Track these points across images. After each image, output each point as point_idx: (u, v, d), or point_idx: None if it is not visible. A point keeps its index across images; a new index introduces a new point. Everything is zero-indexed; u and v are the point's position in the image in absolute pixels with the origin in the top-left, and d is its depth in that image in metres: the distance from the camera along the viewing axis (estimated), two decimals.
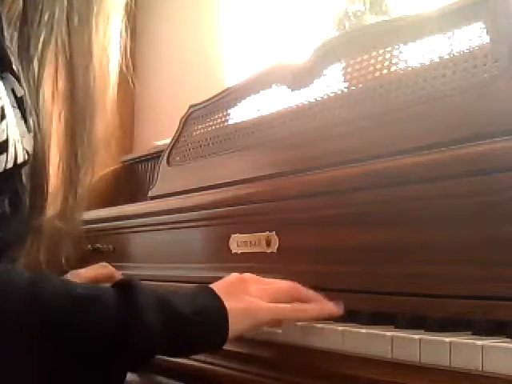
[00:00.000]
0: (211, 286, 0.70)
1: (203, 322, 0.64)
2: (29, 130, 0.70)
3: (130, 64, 0.85)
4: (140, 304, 0.60)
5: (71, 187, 0.75)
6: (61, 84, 0.75)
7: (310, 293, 0.76)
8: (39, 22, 0.70)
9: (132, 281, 0.62)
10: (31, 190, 0.72)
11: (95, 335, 0.57)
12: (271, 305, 0.71)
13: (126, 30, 0.82)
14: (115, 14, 0.79)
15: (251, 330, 0.71)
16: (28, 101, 0.70)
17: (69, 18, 0.73)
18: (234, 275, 0.73)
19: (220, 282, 0.71)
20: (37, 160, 0.72)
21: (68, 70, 0.74)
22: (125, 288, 0.61)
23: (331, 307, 0.74)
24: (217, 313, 0.66)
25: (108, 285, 0.64)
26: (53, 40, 0.72)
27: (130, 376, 1.00)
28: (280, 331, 0.76)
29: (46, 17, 0.71)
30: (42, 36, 0.71)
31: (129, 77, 0.85)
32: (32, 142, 0.71)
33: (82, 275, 1.11)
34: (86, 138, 0.76)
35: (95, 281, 1.12)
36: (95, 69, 0.76)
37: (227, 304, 0.66)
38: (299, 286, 0.76)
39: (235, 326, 0.66)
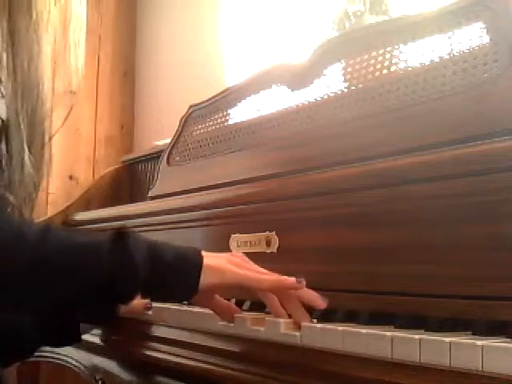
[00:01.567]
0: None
1: (179, 269, 0.75)
2: (1, 95, 0.71)
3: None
4: (129, 249, 0.71)
5: (18, 165, 0.77)
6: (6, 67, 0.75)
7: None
8: None
9: (127, 230, 0.74)
10: (9, 156, 0.73)
11: (91, 273, 0.70)
12: (241, 272, 0.78)
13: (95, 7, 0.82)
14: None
15: (218, 287, 0.79)
16: None
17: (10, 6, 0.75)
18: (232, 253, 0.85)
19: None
20: (12, 126, 0.73)
21: (8, 31, 0.75)
22: (120, 235, 0.72)
23: (290, 280, 0.77)
24: (193, 265, 0.76)
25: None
26: None
27: (130, 376, 1.01)
28: (280, 331, 0.76)
29: None
30: None
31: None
32: (5, 107, 0.71)
33: None
34: (38, 113, 0.79)
35: None
36: (41, 56, 0.78)
37: (205, 261, 0.76)
38: (284, 279, 0.79)
39: (204, 280, 0.76)
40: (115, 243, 0.72)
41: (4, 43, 0.74)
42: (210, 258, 0.77)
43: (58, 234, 0.70)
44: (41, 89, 0.79)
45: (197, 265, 0.76)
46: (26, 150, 0.77)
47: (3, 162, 0.74)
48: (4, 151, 0.73)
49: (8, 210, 0.75)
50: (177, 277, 0.75)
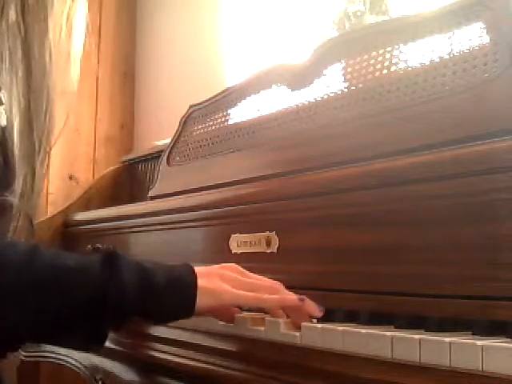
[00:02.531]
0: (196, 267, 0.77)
1: (174, 294, 0.73)
2: (0, 103, 0.70)
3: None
4: (121, 272, 0.68)
5: (28, 166, 0.75)
6: (17, 61, 0.74)
7: (290, 296, 0.79)
8: None
9: (116, 252, 0.70)
10: (4, 166, 0.72)
11: (81, 296, 0.66)
12: (235, 291, 0.77)
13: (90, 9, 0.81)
14: None
15: (215, 308, 0.78)
16: None
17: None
18: (229, 264, 0.80)
19: (204, 268, 0.78)
20: (7, 134, 0.72)
21: (23, 47, 0.74)
22: (110, 257, 0.69)
23: (292, 298, 0.78)
24: (188, 288, 0.73)
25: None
26: (4, 20, 0.71)
27: (130, 376, 1.01)
28: (280, 331, 0.76)
29: None
30: None
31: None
32: (4, 115, 0.71)
33: None
34: (43, 116, 0.76)
35: None
36: (51, 45, 0.75)
37: (199, 282, 0.74)
38: (280, 286, 0.80)
39: (201, 303, 0.74)
40: (105, 266, 0.68)
41: (19, 50, 0.73)
42: (204, 279, 0.75)
43: (46, 255, 0.66)
44: (50, 92, 0.77)
45: (191, 287, 0.74)
46: (37, 157, 0.76)
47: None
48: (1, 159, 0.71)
49: (11, 214, 0.73)
50: (171, 300, 0.73)
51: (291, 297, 0.78)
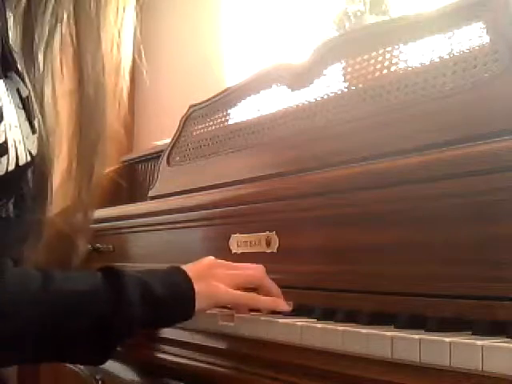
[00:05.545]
0: (185, 267, 0.80)
1: (174, 302, 0.77)
2: (33, 131, 0.69)
3: (143, 54, 0.83)
4: (126, 291, 0.71)
5: (83, 184, 0.76)
6: (68, 79, 0.73)
7: (272, 285, 0.85)
8: (44, 11, 0.70)
9: (117, 270, 0.73)
10: (36, 193, 0.71)
11: (90, 318, 0.69)
12: (231, 291, 0.81)
13: (138, 18, 0.79)
14: (126, 4, 0.77)
15: (213, 307, 0.83)
16: (33, 101, 0.69)
17: (76, 8, 0.72)
18: (208, 259, 0.84)
19: (194, 264, 0.82)
20: (42, 161, 0.71)
21: (76, 60, 0.73)
22: (113, 277, 0.72)
23: (282, 303, 0.84)
24: (187, 295, 0.77)
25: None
26: (58, 31, 0.71)
27: (130, 376, 1.01)
28: (280, 331, 0.76)
29: (50, 7, 0.70)
30: (47, 27, 0.70)
31: (142, 68, 0.83)
32: (36, 143, 0.70)
33: None
34: (98, 131, 0.76)
35: None
36: (104, 59, 0.75)
37: (196, 286, 0.78)
38: (264, 275, 0.86)
39: (200, 306, 0.78)
40: (109, 286, 0.71)
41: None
42: (199, 283, 0.78)
43: (57, 282, 0.69)
44: (103, 110, 0.76)
45: (189, 294, 0.77)
46: (90, 179, 0.76)
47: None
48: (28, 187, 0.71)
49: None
50: (172, 308, 0.77)
51: (282, 302, 0.84)
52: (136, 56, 0.82)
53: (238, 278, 0.83)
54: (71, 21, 0.72)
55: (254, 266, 0.87)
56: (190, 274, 0.79)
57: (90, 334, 0.69)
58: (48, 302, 0.67)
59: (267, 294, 0.85)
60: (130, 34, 0.79)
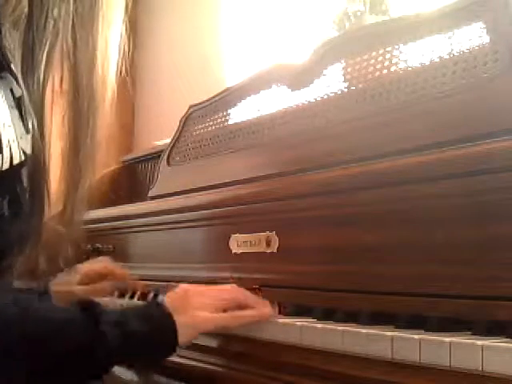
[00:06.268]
0: (164, 299, 0.79)
1: (156, 338, 0.75)
2: (27, 131, 0.70)
3: (128, 66, 0.84)
4: (103, 328, 0.70)
5: (72, 188, 0.76)
6: (64, 86, 0.74)
7: (249, 297, 0.84)
8: (44, 25, 0.70)
9: (97, 307, 0.72)
10: (31, 192, 0.72)
11: (67, 354, 0.68)
12: (213, 316, 0.80)
13: (126, 32, 0.81)
14: (116, 17, 0.79)
15: (197, 336, 0.80)
16: (26, 101, 0.70)
17: (74, 23, 0.73)
18: (182, 287, 0.82)
19: (170, 295, 0.81)
20: (37, 161, 0.72)
21: (73, 73, 0.75)
22: (91, 314, 0.71)
23: (265, 311, 0.82)
24: (168, 330, 0.75)
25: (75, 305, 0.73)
26: (58, 44, 0.72)
27: (130, 376, 1.00)
28: (280, 331, 0.76)
29: (51, 21, 0.71)
30: (48, 40, 0.71)
31: (127, 78, 0.85)
32: (30, 142, 0.70)
33: (83, 270, 1.13)
34: (88, 138, 0.77)
35: (99, 274, 1.14)
36: (98, 72, 0.76)
37: (177, 319, 0.76)
38: (241, 291, 0.84)
39: (183, 338, 0.76)
40: (86, 321, 0.70)
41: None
42: (181, 315, 0.76)
43: (36, 313, 0.69)
44: (95, 115, 0.78)
45: (171, 329, 0.75)
46: (82, 181, 0.77)
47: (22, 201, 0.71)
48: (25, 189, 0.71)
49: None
50: (154, 345, 0.76)
51: (264, 310, 0.82)
52: (123, 69, 0.83)
53: (218, 300, 0.82)
54: (69, 37, 0.73)
55: (228, 286, 0.86)
56: (168, 306, 0.77)
57: (67, 364, 0.69)
58: (23, 330, 0.66)
59: (249, 307, 0.83)
60: (117, 45, 0.81)
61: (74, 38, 0.73)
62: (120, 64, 0.83)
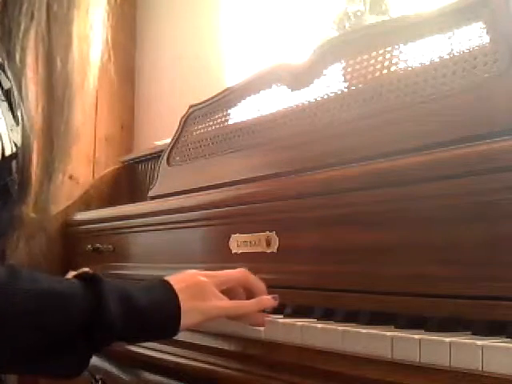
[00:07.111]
0: (168, 278, 0.76)
1: (158, 314, 0.72)
2: (17, 123, 0.70)
3: (112, 54, 0.83)
4: (103, 299, 0.67)
5: (46, 179, 0.76)
6: (40, 73, 0.74)
7: (258, 282, 0.83)
8: (20, 10, 0.70)
9: (97, 276, 0.69)
10: (19, 183, 0.72)
11: (66, 326, 0.65)
12: (218, 303, 0.77)
13: (108, 21, 0.80)
14: (97, 5, 0.78)
15: (203, 323, 0.77)
16: (15, 93, 0.70)
17: (49, 7, 0.73)
18: (190, 271, 0.79)
19: (176, 276, 0.77)
20: (26, 152, 0.72)
21: (47, 58, 0.74)
22: (91, 284, 0.68)
23: (267, 302, 0.81)
24: (171, 308, 0.73)
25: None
26: (33, 29, 0.72)
27: (130, 376, 1.00)
28: (280, 331, 0.76)
29: (25, 5, 0.71)
30: (23, 25, 0.71)
31: (110, 67, 0.84)
32: (20, 134, 0.71)
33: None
34: (62, 128, 0.77)
35: None
36: (74, 58, 0.76)
37: (180, 298, 0.73)
38: (248, 273, 0.83)
39: (185, 321, 0.73)
40: (88, 292, 0.67)
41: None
42: (185, 295, 0.74)
43: (26, 280, 0.64)
44: (71, 105, 0.77)
45: (174, 308, 0.73)
46: (56, 172, 0.76)
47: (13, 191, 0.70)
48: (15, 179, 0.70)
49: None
50: (156, 323, 0.72)
51: (266, 301, 0.81)
52: (105, 58, 0.83)
53: (224, 278, 0.80)
54: (43, 21, 0.73)
55: (237, 269, 0.84)
56: (173, 284, 0.75)
57: (65, 341, 0.65)
58: (14, 303, 0.62)
59: (254, 290, 0.83)
60: (100, 35, 0.80)
61: (49, 21, 0.73)
62: (103, 51, 0.82)
